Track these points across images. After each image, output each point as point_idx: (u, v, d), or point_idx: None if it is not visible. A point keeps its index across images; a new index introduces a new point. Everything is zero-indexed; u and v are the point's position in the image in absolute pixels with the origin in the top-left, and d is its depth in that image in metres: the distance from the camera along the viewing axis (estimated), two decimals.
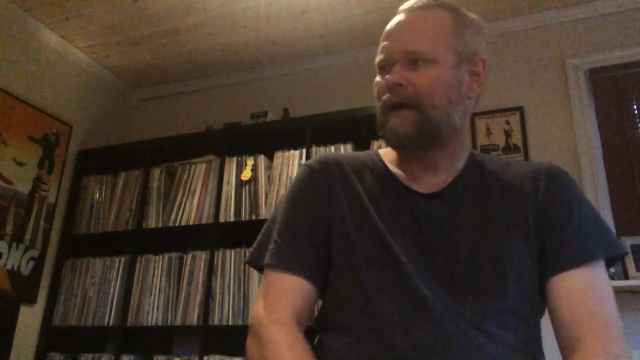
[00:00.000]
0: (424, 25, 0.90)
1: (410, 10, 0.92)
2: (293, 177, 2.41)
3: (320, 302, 0.93)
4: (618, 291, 2.08)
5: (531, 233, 0.86)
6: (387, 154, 0.99)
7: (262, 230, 0.96)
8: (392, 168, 0.95)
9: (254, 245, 0.95)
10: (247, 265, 2.42)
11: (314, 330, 0.91)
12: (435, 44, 0.88)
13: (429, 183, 0.91)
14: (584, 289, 0.81)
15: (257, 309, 0.88)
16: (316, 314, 0.93)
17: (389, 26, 0.93)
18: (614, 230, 2.31)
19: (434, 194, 0.90)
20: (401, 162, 0.95)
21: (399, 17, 0.93)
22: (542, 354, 0.86)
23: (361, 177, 0.94)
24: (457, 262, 0.83)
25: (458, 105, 0.88)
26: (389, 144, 0.91)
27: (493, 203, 0.88)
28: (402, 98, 0.86)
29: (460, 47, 0.89)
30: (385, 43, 0.91)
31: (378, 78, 0.92)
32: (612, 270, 2.12)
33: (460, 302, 0.80)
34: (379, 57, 0.92)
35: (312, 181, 0.95)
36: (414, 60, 0.87)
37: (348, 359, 0.81)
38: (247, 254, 0.96)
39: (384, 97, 0.89)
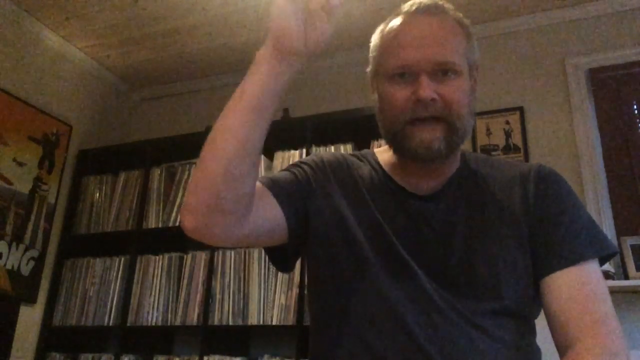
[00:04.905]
0: (447, 35, 0.87)
1: (424, 16, 0.88)
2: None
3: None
4: (618, 291, 2.09)
5: (524, 235, 0.87)
6: (382, 153, 1.00)
7: None
8: (388, 169, 0.96)
9: None
10: (246, 264, 2.43)
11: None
12: (459, 54, 0.87)
13: (425, 185, 0.92)
14: (576, 288, 0.82)
15: None
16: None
17: (404, 32, 0.88)
18: (613, 231, 2.31)
19: (428, 196, 0.91)
20: (399, 164, 0.94)
21: (414, 23, 0.88)
22: (538, 349, 0.88)
23: (362, 177, 0.96)
24: (451, 264, 0.84)
25: (471, 113, 0.89)
26: (415, 157, 0.86)
27: (485, 205, 0.89)
28: (432, 112, 0.84)
29: (471, 56, 0.90)
30: (406, 50, 0.86)
31: (393, 88, 0.87)
32: (612, 270, 2.12)
33: (455, 301, 0.82)
34: (396, 64, 0.87)
35: (319, 168, 0.96)
36: (443, 72, 0.85)
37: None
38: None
39: (408, 111, 0.85)
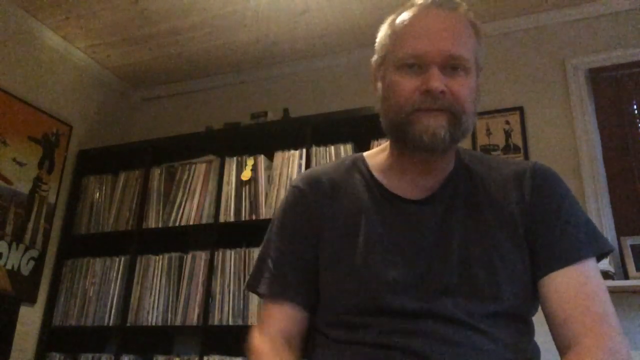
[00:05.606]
0: (461, 30, 0.87)
1: (439, 10, 0.87)
2: (292, 179, 2.41)
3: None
4: (618, 291, 2.10)
5: (520, 235, 0.86)
6: (372, 157, 0.98)
7: (259, 255, 0.99)
8: (378, 174, 0.95)
9: (252, 270, 0.99)
10: (246, 264, 2.43)
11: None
12: (470, 51, 0.86)
13: (419, 187, 0.91)
14: (575, 287, 0.82)
15: (254, 330, 0.94)
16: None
17: (417, 23, 0.87)
18: (613, 231, 2.31)
19: (424, 200, 0.90)
20: (393, 165, 0.93)
21: (429, 15, 0.87)
22: (537, 348, 0.87)
23: (349, 189, 0.95)
24: (450, 267, 0.84)
25: (475, 113, 0.89)
26: (418, 145, 0.85)
27: (482, 207, 0.89)
28: (439, 105, 0.83)
29: (479, 56, 0.90)
30: (419, 40, 0.85)
31: (402, 77, 0.86)
32: (612, 270, 2.12)
33: (454, 305, 0.81)
34: (407, 53, 0.85)
35: (301, 203, 0.96)
36: (454, 66, 0.84)
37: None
38: (247, 278, 1.00)
39: (415, 102, 0.84)
